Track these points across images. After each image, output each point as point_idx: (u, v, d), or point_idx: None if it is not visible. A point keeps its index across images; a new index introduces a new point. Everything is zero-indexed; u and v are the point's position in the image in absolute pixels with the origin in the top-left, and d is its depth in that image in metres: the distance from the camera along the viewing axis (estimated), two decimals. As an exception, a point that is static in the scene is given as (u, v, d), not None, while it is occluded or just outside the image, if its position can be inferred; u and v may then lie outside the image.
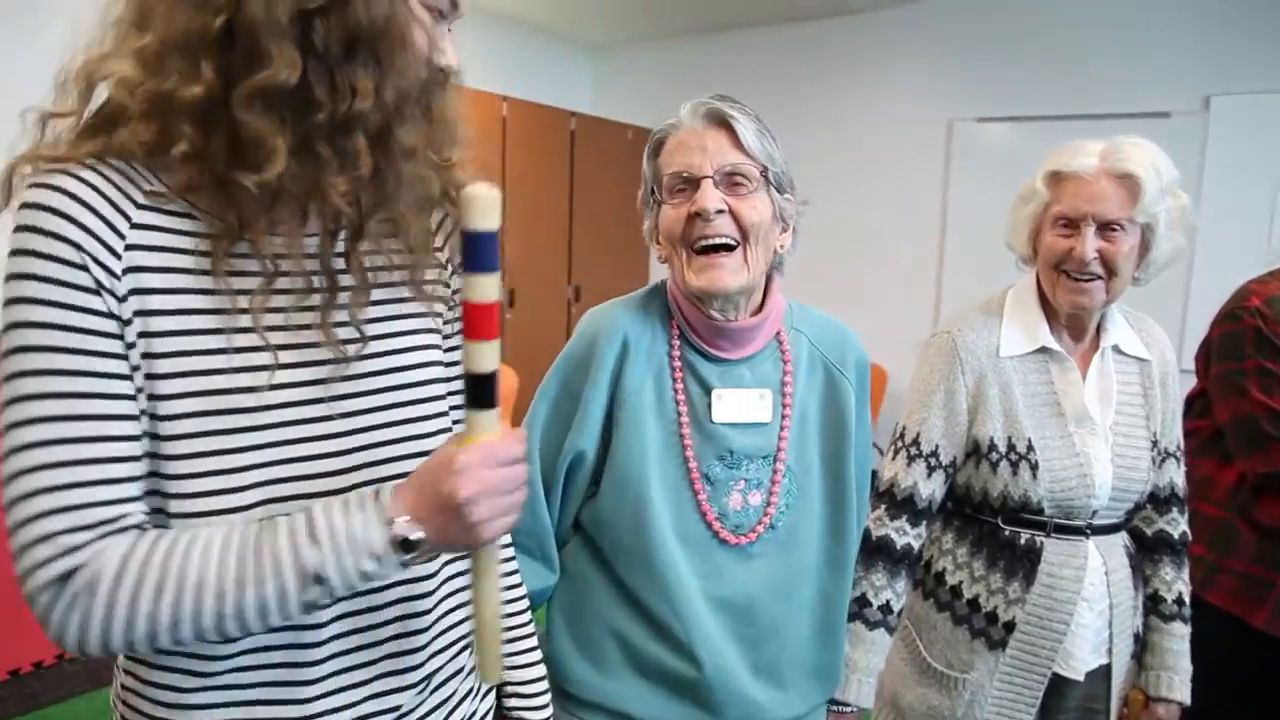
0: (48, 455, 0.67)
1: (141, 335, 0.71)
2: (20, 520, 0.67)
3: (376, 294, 0.83)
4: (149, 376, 0.71)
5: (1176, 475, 1.50)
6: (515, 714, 1.01)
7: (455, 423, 0.98)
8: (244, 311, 0.73)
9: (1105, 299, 1.38)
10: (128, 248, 0.70)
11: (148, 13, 0.70)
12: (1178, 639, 1.46)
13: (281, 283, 0.75)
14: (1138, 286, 1.42)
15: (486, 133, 4.77)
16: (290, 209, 0.74)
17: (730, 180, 1.08)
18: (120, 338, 0.70)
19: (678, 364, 1.15)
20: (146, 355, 0.71)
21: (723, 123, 1.10)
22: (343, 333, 0.78)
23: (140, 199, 0.71)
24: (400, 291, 0.86)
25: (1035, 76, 4.82)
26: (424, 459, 0.76)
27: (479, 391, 0.74)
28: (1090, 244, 1.34)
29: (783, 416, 1.17)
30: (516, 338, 5.08)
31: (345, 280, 0.78)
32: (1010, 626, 1.38)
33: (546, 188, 5.26)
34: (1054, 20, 4.74)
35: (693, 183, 1.08)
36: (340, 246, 0.78)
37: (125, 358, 0.70)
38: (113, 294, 0.69)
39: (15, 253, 0.68)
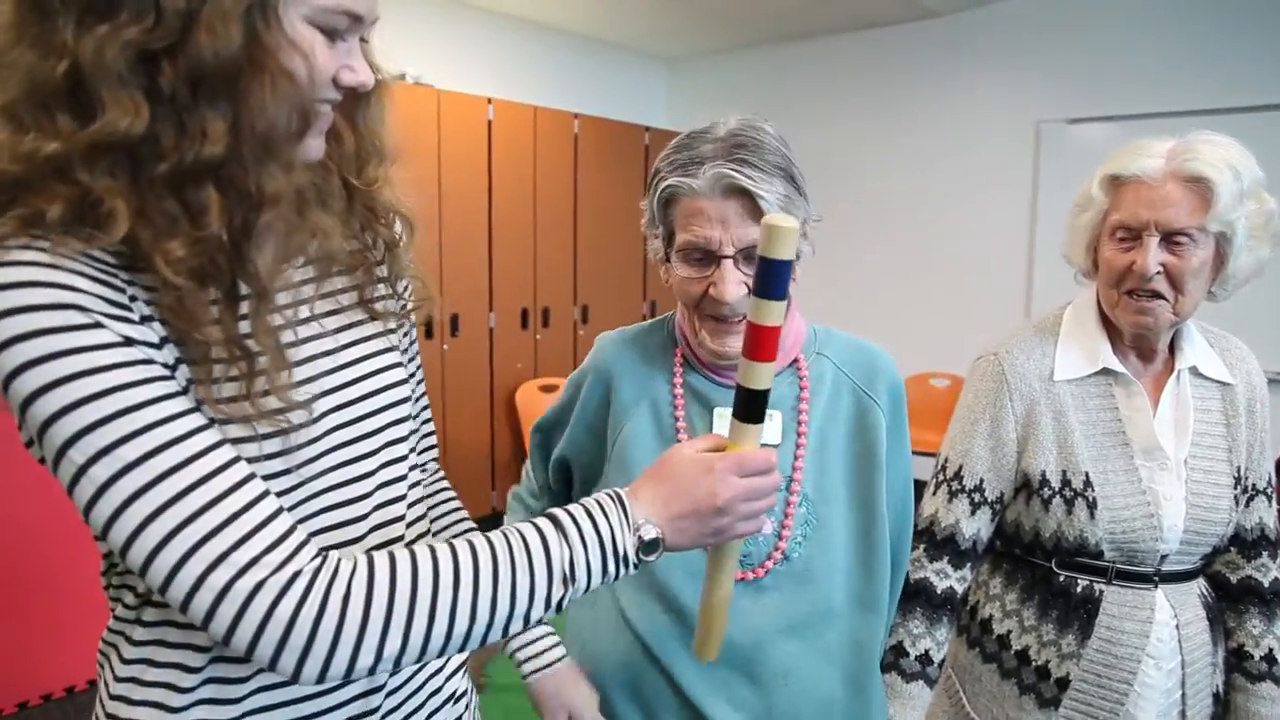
0: (207, 493, 0.62)
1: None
2: (196, 572, 0.62)
3: (332, 321, 0.80)
4: None
5: (1267, 515, 1.31)
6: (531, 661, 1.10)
7: (423, 448, 1.00)
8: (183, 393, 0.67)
9: (1172, 319, 1.21)
10: (132, 298, 0.65)
11: (3, 61, 0.63)
12: (1267, 702, 1.27)
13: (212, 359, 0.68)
14: (1213, 303, 1.26)
15: (558, 150, 4.78)
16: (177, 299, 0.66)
17: (749, 255, 0.99)
18: (171, 370, 0.65)
19: (679, 390, 1.10)
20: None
21: (744, 192, 0.99)
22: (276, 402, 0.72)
23: (122, 274, 0.65)
24: (354, 315, 0.83)
25: (1131, 71, 4.53)
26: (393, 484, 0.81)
27: (750, 406, 0.80)
28: (1153, 256, 1.18)
29: (797, 440, 1.08)
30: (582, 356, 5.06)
31: (257, 351, 0.70)
32: (1064, 684, 1.23)
33: (620, 204, 5.23)
34: (1148, 9, 4.44)
35: (711, 256, 1.00)
36: (245, 312, 0.71)
37: (173, 378, 0.66)
38: (137, 323, 0.64)
39: (10, 343, 0.60)
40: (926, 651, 1.27)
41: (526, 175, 4.61)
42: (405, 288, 0.91)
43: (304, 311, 0.78)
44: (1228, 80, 4.24)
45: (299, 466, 0.74)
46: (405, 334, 0.93)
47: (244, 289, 0.70)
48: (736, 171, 0.97)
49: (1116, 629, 1.21)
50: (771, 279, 0.76)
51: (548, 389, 4.55)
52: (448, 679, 0.93)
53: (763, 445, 1.04)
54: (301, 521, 0.75)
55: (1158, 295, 1.20)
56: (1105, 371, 1.28)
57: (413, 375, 0.96)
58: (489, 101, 4.40)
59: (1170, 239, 1.18)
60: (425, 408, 1.01)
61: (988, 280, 4.98)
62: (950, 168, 5.12)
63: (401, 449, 0.85)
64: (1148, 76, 4.48)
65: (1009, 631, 1.29)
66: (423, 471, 0.99)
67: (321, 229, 0.75)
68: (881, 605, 1.11)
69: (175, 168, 0.62)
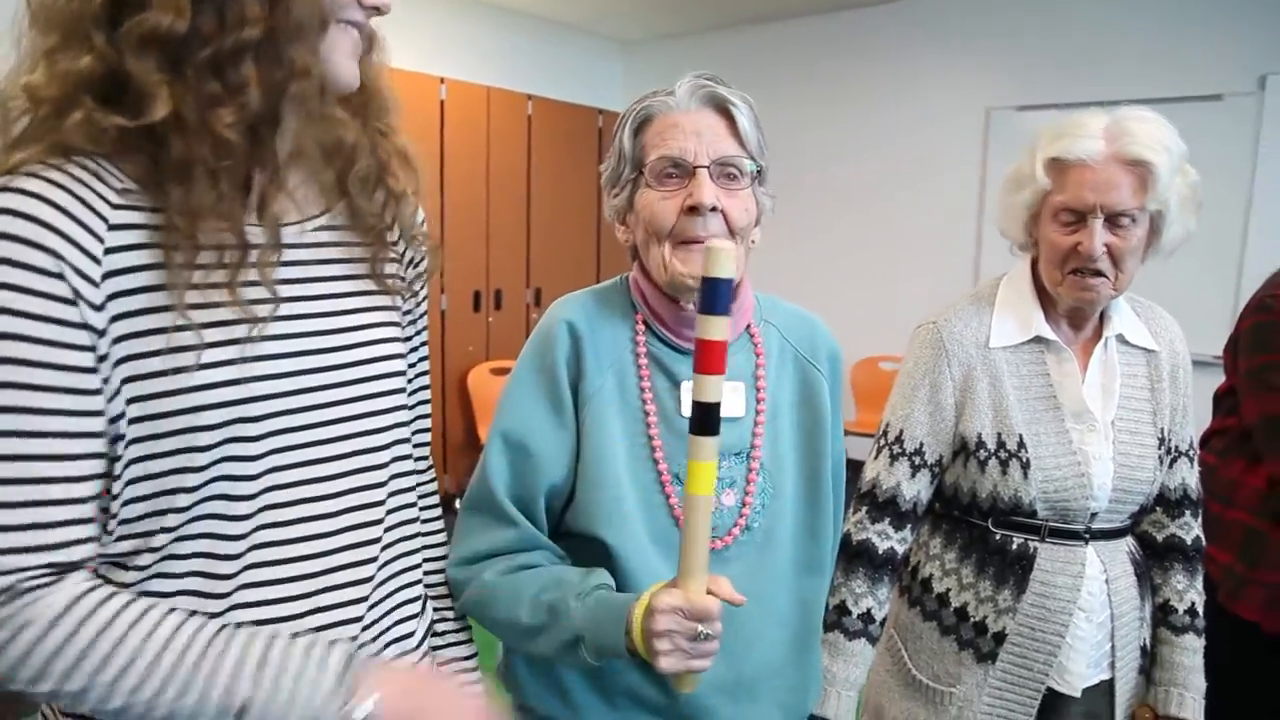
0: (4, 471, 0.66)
1: (120, 339, 0.69)
2: None
3: (339, 286, 0.83)
4: (128, 380, 0.70)
5: (1189, 476, 1.38)
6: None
7: (416, 429, 0.99)
8: (168, 289, 0.71)
9: (1111, 294, 1.27)
10: (108, 251, 0.69)
11: (43, 11, 0.70)
12: (1190, 653, 1.34)
13: (203, 256, 0.72)
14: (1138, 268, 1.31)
15: (512, 131, 4.75)
16: (202, 176, 0.71)
17: (723, 172, 1.00)
18: (92, 350, 0.68)
19: (643, 360, 1.06)
20: (127, 359, 0.70)
21: (721, 109, 1.01)
22: (252, 293, 0.75)
23: (114, 198, 0.70)
24: (363, 284, 0.85)
25: (1078, 61, 4.64)
26: (380, 449, 0.82)
27: (704, 419, 0.85)
28: (1099, 238, 1.22)
29: (757, 410, 1.09)
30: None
31: (255, 239, 0.75)
32: (1000, 638, 1.28)
33: (574, 187, 5.22)
34: (1096, 1, 4.54)
35: (685, 171, 1.00)
36: (254, 207, 0.75)
37: (95, 371, 0.69)
38: (90, 303, 0.67)
39: None
40: (869, 610, 1.31)
41: (479, 156, 4.58)
42: (411, 258, 0.92)
43: (312, 270, 0.81)
44: (1172, 70, 4.37)
45: (258, 399, 0.75)
46: (410, 313, 0.94)
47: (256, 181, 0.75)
48: (714, 83, 1.01)
49: (1050, 584, 1.26)
50: (715, 296, 0.82)
51: (499, 371, 4.53)
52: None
53: (727, 419, 1.03)
54: (264, 469, 0.76)
55: (1099, 274, 1.24)
56: (1038, 339, 1.32)
57: (417, 362, 0.98)
58: (441, 81, 4.36)
59: (1112, 220, 1.23)
60: (423, 388, 1.01)
61: (937, 264, 5.07)
62: (901, 152, 5.20)
63: (383, 437, 0.85)
64: (1095, 65, 4.59)
65: (948, 589, 1.33)
66: (415, 461, 0.98)
67: (340, 120, 0.79)
68: (826, 567, 1.14)
69: (216, 52, 0.68)
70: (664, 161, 1.00)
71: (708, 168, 0.99)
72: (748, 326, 1.12)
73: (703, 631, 0.86)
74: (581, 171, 5.25)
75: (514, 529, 1.03)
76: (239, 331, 0.73)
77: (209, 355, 0.72)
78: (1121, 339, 1.34)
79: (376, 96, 0.84)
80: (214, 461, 0.73)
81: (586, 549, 1.04)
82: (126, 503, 0.73)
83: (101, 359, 0.69)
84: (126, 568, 0.74)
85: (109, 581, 0.74)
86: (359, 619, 0.84)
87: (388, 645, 0.89)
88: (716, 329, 0.82)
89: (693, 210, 0.99)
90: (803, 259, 5.31)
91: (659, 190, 1.01)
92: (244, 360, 0.74)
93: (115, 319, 0.69)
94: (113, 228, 0.69)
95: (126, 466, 0.72)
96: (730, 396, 1.06)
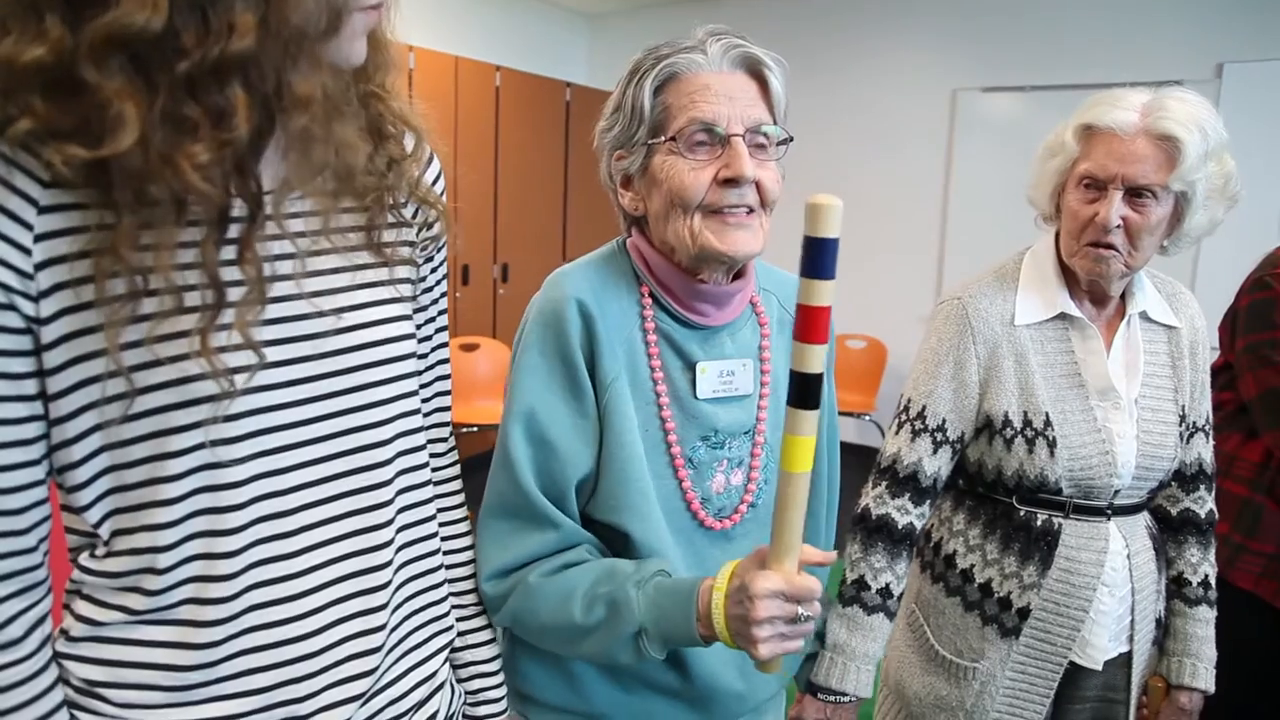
0: None
1: (64, 339, 0.63)
2: None
3: (326, 261, 0.73)
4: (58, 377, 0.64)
5: (1205, 451, 1.40)
6: (477, 691, 0.97)
7: (431, 409, 0.91)
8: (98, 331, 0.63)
9: (1123, 271, 1.26)
10: (38, 239, 0.60)
11: None
12: (1203, 624, 1.36)
13: (153, 284, 0.63)
14: (1164, 256, 1.31)
15: (480, 103, 4.65)
16: (166, 201, 0.61)
17: (754, 140, 0.94)
18: (34, 354, 0.63)
19: (652, 336, 1.00)
20: (66, 365, 0.63)
21: (755, 71, 0.95)
22: (233, 358, 0.67)
23: (45, 177, 0.61)
24: (352, 257, 0.75)
25: (1042, 45, 4.70)
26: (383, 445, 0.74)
27: (803, 391, 0.78)
28: (1115, 210, 1.21)
29: (761, 385, 1.06)
30: (510, 313, 4.98)
31: (235, 285, 0.65)
32: (1025, 613, 1.29)
33: (542, 160, 5.14)
34: (1063, -15, 4.60)
35: (717, 138, 0.92)
36: (232, 241, 0.66)
37: (37, 375, 0.63)
38: (25, 295, 0.61)
39: None
40: (887, 585, 1.30)
41: (447, 127, 4.47)
42: (425, 219, 0.83)
43: (290, 246, 0.71)
44: (1133, 56, 4.45)
45: (246, 415, 0.69)
46: (424, 281, 0.85)
47: (236, 210, 0.65)
48: (745, 42, 0.95)
49: (1074, 559, 1.27)
50: (821, 258, 0.74)
51: (468, 348, 4.45)
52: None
53: (736, 398, 1.03)
54: (248, 485, 0.70)
55: (1111, 247, 1.24)
56: (1062, 316, 1.32)
57: (430, 334, 0.89)
58: (410, 49, 4.23)
59: (1133, 194, 1.22)
60: (440, 362, 0.93)
61: (902, 243, 5.12)
62: (868, 132, 5.22)
63: (384, 431, 0.77)
64: (1058, 50, 4.65)
65: (972, 565, 1.33)
66: (432, 454, 0.91)
67: (345, 142, 0.69)
68: (817, 540, 1.13)
69: (197, 66, 0.57)
70: (695, 125, 0.92)
71: (743, 135, 0.93)
72: (751, 298, 1.08)
73: (803, 614, 0.83)
74: (549, 146, 5.16)
75: (554, 530, 0.96)
76: (208, 389, 0.66)
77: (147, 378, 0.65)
78: (1144, 316, 1.34)
79: (376, 55, 0.74)
80: (191, 470, 0.67)
81: (605, 538, 1.01)
82: (104, 518, 0.68)
83: (45, 348, 0.63)
84: (130, 590, 0.70)
85: (110, 606, 0.70)
86: (376, 648, 0.78)
87: (413, 687, 0.85)
88: (823, 294, 0.75)
89: (729, 182, 0.92)
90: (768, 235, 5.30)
91: (689, 159, 0.93)
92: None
93: (62, 312, 0.63)
94: (44, 210, 0.60)
95: (95, 479, 0.67)
96: (741, 374, 1.04)
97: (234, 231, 0.65)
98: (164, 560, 0.68)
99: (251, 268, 0.65)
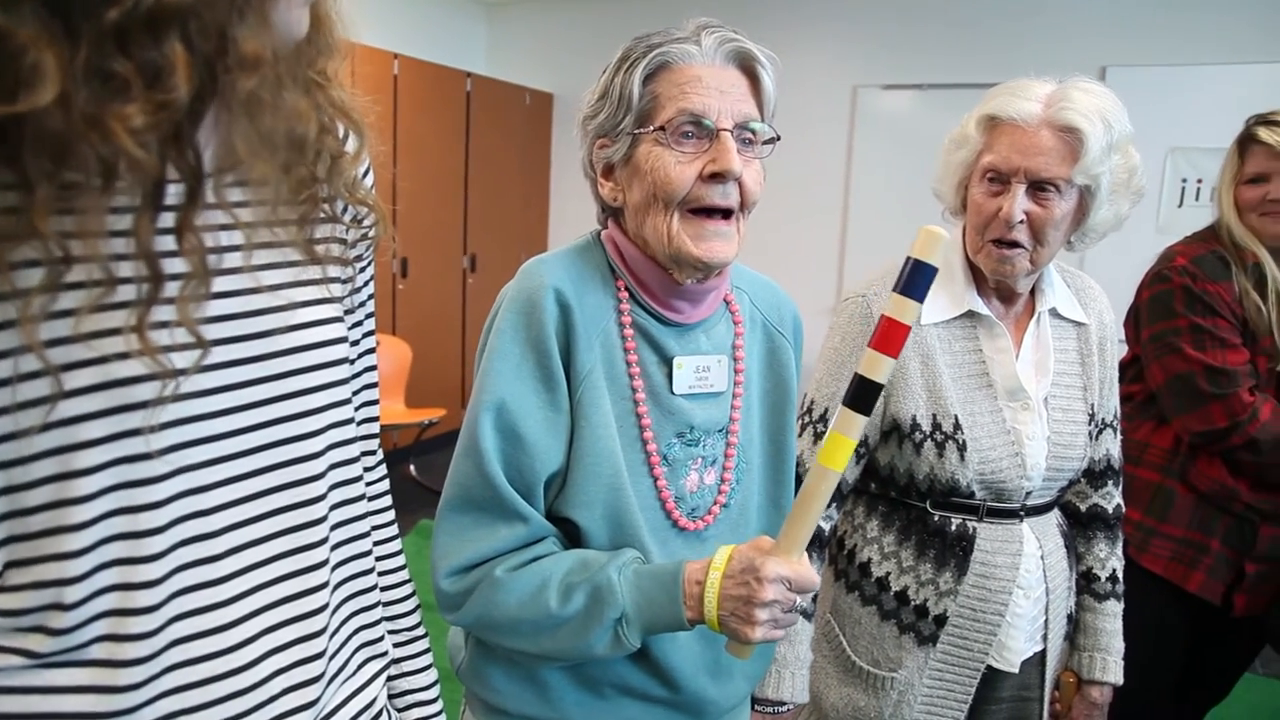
0: None
1: None
2: None
3: (256, 257, 0.64)
4: None
5: (1113, 446, 1.40)
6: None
7: (361, 419, 0.82)
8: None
9: (1028, 269, 1.24)
10: None
11: None
12: (1112, 618, 1.37)
13: (74, 272, 0.54)
14: (1070, 252, 1.30)
15: (378, 91, 4.45)
16: (91, 164, 0.52)
17: (741, 137, 0.92)
18: None
19: (628, 330, 0.97)
20: None
21: (747, 67, 0.94)
22: (173, 335, 0.58)
23: None
24: (286, 253, 0.67)
25: (938, 45, 4.80)
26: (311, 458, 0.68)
27: (863, 395, 0.82)
28: (1019, 205, 1.19)
29: (735, 384, 1.04)
30: (408, 309, 4.81)
31: (175, 266, 0.57)
32: (942, 620, 1.26)
33: (441, 152, 4.97)
34: (957, -16, 4.71)
35: (705, 132, 0.90)
36: (170, 210, 0.57)
37: None
38: None
39: None
40: None
41: (340, 118, 4.28)
42: (355, 215, 0.75)
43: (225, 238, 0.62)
44: (1021, 57, 4.58)
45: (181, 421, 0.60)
46: (352, 281, 0.77)
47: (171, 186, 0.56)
48: (739, 37, 0.93)
49: (990, 564, 1.25)
50: (919, 281, 0.79)
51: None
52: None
53: (711, 395, 1.01)
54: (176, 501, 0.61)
55: (1016, 244, 1.21)
56: (970, 314, 1.29)
57: (358, 337, 0.80)
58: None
59: (1037, 188, 1.19)
60: (369, 369, 0.83)
61: (803, 239, 5.17)
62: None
63: (317, 442, 0.70)
64: (957, 48, 4.76)
65: (888, 573, 1.30)
66: (364, 466, 0.82)
67: (296, 111, 0.61)
68: None
69: (128, 15, 0.49)
70: (684, 116, 0.90)
71: (731, 131, 0.91)
72: (725, 295, 1.06)
73: (800, 604, 0.87)
74: (449, 137, 5.00)
75: (523, 524, 0.92)
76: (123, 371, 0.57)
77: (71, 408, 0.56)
78: (1054, 313, 1.33)
79: (317, 36, 0.65)
80: (104, 490, 0.58)
81: (574, 537, 0.97)
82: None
83: None
84: (31, 631, 0.59)
85: (7, 650, 0.59)
86: (317, 677, 0.70)
87: (353, 717, 0.76)
88: (910, 313, 0.80)
89: (714, 177, 0.90)
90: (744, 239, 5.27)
91: (675, 151, 0.91)
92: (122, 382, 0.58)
93: None
94: None
95: None
96: (716, 370, 1.02)
97: (170, 214, 0.57)
98: (73, 594, 0.58)
99: (194, 252, 0.57)
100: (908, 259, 0.78)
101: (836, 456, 0.82)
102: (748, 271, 1.12)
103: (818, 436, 1.29)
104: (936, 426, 1.25)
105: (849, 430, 0.82)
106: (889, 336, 0.80)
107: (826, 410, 1.29)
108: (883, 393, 1.26)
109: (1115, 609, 1.37)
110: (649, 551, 0.96)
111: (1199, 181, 4.31)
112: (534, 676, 0.99)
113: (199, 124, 0.56)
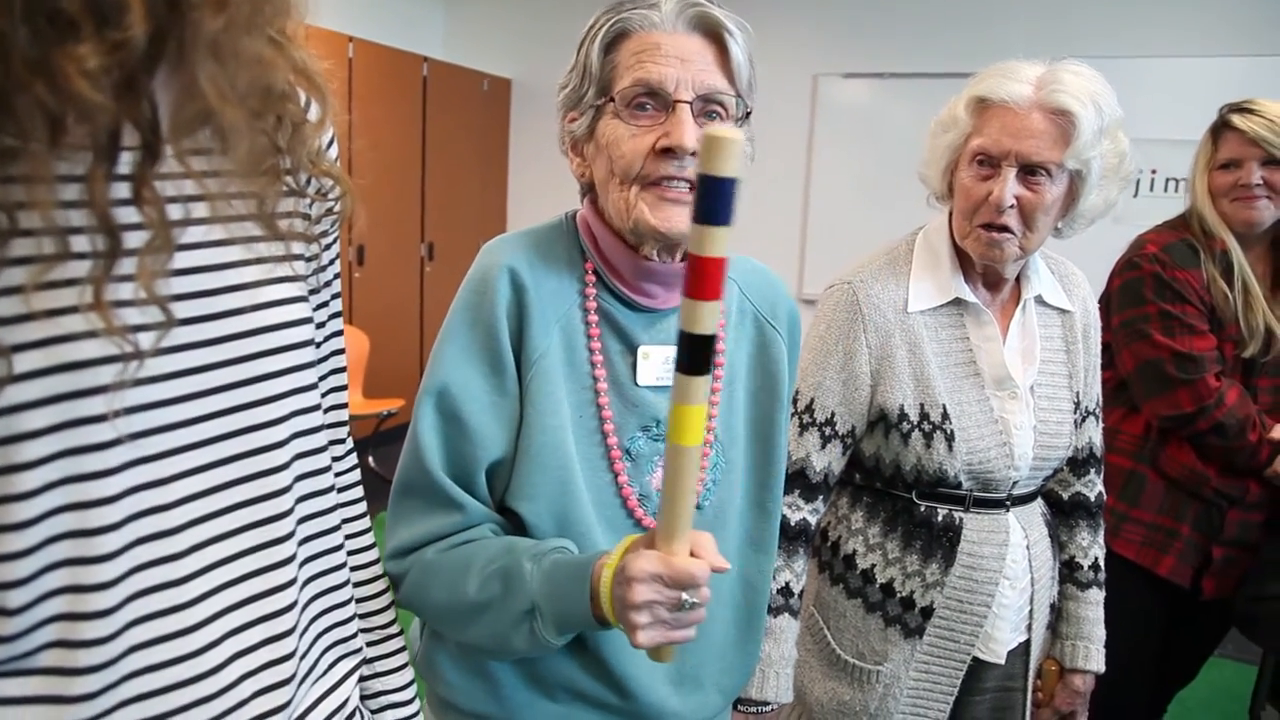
0: None
1: None
2: None
3: (212, 233, 0.59)
4: None
5: (1095, 434, 1.39)
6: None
7: (327, 406, 0.77)
8: None
9: (1018, 254, 1.22)
10: None
11: None
12: (1094, 606, 1.36)
13: (22, 245, 0.49)
14: (1058, 239, 1.28)
15: (333, 75, 4.34)
16: (37, 120, 0.47)
17: (705, 110, 0.86)
18: None
19: (593, 316, 0.92)
20: None
21: (713, 33, 0.87)
22: (134, 314, 0.52)
23: None
24: (246, 228, 0.61)
25: (902, 33, 4.81)
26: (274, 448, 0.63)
27: (694, 354, 0.67)
28: (1009, 189, 1.16)
29: (714, 377, 0.97)
30: (365, 298, 4.70)
31: (132, 233, 0.52)
32: (928, 612, 1.24)
33: (397, 138, 4.86)
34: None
35: (662, 103, 0.85)
36: (125, 177, 0.52)
37: None
38: None
39: None
40: (787, 584, 1.25)
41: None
42: (320, 189, 0.69)
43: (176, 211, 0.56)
44: (990, 45, 4.61)
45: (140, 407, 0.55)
46: (316, 259, 0.71)
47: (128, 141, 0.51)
48: (706, 4, 0.86)
49: (977, 555, 1.23)
50: (717, 200, 0.63)
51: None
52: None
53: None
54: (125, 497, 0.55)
55: (1006, 229, 1.19)
56: (957, 302, 1.27)
57: (324, 318, 0.74)
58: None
59: (1027, 172, 1.17)
60: (336, 352, 0.78)
61: (764, 226, 5.15)
62: (733, 115, 5.23)
63: (280, 430, 0.64)
64: (919, 37, 4.78)
65: (873, 565, 1.28)
66: (335, 460, 0.77)
67: (261, 57, 0.55)
68: (773, 545, 1.05)
69: None
70: (638, 88, 0.85)
71: (690, 103, 0.84)
72: None
73: (688, 600, 0.74)
74: (405, 123, 4.89)
75: (459, 512, 0.89)
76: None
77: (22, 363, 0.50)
78: (1039, 300, 1.31)
79: None
80: (49, 485, 0.52)
81: (525, 531, 0.91)
82: None
83: None
84: None
85: None
86: (287, 679, 0.66)
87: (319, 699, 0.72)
88: (715, 243, 0.64)
89: (667, 152, 0.84)
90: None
91: (629, 124, 0.86)
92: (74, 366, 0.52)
93: None
94: None
95: None
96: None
97: (125, 184, 0.52)
98: (17, 598, 0.53)
99: (154, 208, 0.52)
100: (699, 175, 0.64)
101: (685, 430, 0.70)
102: (740, 258, 1.06)
103: (803, 428, 1.26)
104: (924, 416, 1.23)
105: (688, 397, 0.69)
106: (700, 276, 0.65)
107: (812, 401, 1.26)
108: (869, 382, 1.26)
109: (1097, 597, 1.37)
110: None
111: (1153, 172, 4.38)
112: (484, 671, 0.94)
113: (154, 72, 0.51)
